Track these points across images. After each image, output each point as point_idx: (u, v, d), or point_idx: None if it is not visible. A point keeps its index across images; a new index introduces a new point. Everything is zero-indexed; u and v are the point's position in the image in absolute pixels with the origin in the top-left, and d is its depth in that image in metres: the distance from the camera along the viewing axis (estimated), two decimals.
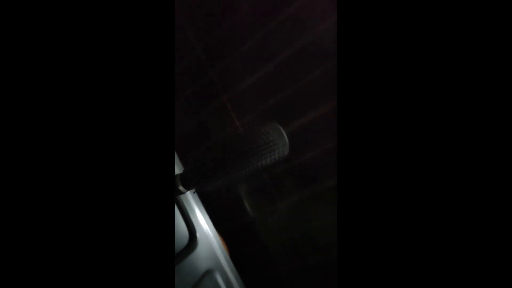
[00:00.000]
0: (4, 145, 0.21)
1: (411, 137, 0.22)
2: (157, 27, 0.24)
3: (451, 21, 0.21)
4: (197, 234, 0.45)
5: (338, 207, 0.23)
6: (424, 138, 0.22)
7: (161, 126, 0.23)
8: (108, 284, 0.21)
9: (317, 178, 0.48)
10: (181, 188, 0.29)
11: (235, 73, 0.51)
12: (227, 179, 0.32)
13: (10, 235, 0.20)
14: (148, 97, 0.23)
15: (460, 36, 0.21)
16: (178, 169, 0.49)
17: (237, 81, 0.51)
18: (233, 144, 0.32)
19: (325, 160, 0.47)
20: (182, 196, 0.47)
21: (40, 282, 0.20)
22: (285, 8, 0.48)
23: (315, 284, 0.52)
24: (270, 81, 0.49)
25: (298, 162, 0.49)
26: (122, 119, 0.23)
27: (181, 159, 0.50)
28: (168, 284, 0.22)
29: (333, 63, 0.45)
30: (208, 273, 0.44)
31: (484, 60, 0.21)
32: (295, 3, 0.48)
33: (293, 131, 0.48)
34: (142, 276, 0.22)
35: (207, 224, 0.49)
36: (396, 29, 0.22)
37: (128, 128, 0.23)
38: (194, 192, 0.29)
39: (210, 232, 0.48)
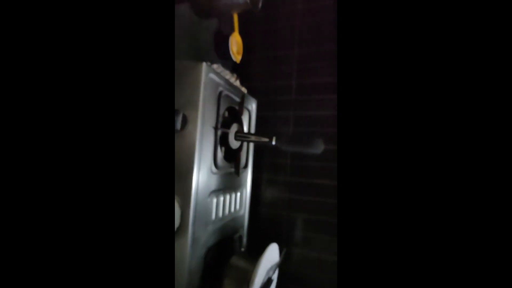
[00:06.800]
0: (5, 145, 0.21)
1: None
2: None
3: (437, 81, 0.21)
4: (248, 167, 0.87)
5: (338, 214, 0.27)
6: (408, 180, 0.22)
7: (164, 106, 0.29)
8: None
9: (313, 176, 0.91)
10: (273, 142, 0.70)
11: (304, 105, 0.94)
12: (289, 150, 0.74)
13: (9, 231, 0.20)
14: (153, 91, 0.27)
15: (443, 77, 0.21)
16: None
17: (303, 109, 0.94)
18: (298, 138, 0.75)
19: (326, 171, 0.89)
20: (256, 148, 0.88)
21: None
22: None
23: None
24: (318, 120, 0.91)
25: (314, 165, 0.91)
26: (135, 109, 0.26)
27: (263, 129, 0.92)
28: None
29: None
30: (241, 186, 0.85)
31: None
32: None
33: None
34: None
35: (251, 168, 0.90)
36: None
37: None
38: (274, 144, 0.70)
39: (250, 171, 0.90)
